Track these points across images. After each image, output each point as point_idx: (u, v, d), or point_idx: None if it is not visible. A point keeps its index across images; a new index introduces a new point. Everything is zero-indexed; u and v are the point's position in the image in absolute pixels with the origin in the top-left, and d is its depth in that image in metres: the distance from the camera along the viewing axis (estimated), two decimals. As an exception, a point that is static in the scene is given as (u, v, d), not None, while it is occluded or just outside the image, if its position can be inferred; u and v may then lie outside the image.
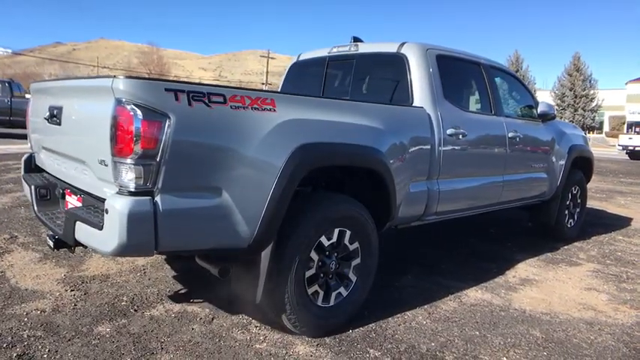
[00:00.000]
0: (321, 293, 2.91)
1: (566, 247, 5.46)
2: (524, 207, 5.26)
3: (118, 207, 2.13)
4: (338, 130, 2.86)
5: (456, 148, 3.74)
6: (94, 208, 2.46)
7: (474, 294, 3.81)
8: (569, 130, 5.60)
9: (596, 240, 5.90)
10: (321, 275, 2.90)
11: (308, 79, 4.56)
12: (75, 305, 3.14)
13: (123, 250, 2.18)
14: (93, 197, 2.53)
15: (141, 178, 2.16)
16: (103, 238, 2.22)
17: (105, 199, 2.33)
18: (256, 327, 2.99)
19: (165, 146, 2.17)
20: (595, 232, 6.20)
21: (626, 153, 26.44)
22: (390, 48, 3.86)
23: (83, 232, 2.39)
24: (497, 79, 4.51)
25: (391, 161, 3.16)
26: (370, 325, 3.11)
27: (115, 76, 2.17)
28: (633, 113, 54.64)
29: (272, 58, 67.25)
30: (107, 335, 2.78)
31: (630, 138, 27.76)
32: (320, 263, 2.87)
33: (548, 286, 4.11)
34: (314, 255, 2.82)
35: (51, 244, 2.77)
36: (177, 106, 2.21)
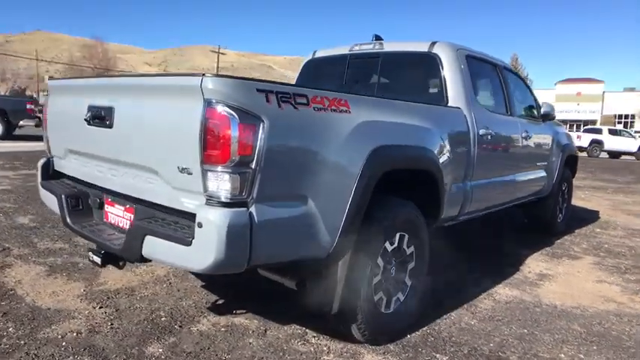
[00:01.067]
0: (384, 300, 2.79)
1: (559, 241, 5.63)
2: (520, 204, 5.36)
3: (216, 220, 1.91)
4: (403, 132, 2.76)
5: (486, 148, 3.73)
6: (173, 223, 2.20)
7: (503, 291, 3.82)
8: (561, 130, 5.79)
9: (580, 233, 6.14)
10: (383, 281, 2.77)
11: (326, 77, 4.40)
12: (111, 324, 2.84)
13: (218, 267, 1.96)
14: (161, 209, 2.28)
15: (237, 187, 1.95)
16: (193, 254, 1.99)
17: (184, 211, 2.12)
18: (314, 337, 2.83)
19: (260, 152, 1.97)
20: (576, 226, 6.46)
21: None
22: (421, 47, 3.78)
23: (157, 247, 2.14)
24: (510, 80, 4.54)
25: (441, 162, 3.08)
26: (424, 329, 3.02)
27: (204, 75, 1.93)
28: (562, 112, 58.63)
29: (222, 53, 65.59)
30: (162, 356, 2.52)
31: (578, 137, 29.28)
32: (383, 269, 2.74)
33: (564, 280, 4.20)
34: (380, 261, 2.69)
35: (97, 259, 2.49)
36: (269, 108, 2.02)
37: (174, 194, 2.15)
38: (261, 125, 1.97)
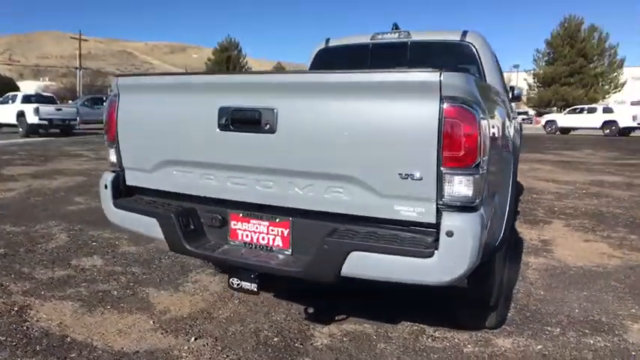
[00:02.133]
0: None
1: (518, 208, 6.19)
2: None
3: (469, 227, 1.77)
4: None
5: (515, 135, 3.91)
6: (373, 234, 1.95)
7: (533, 260, 4.10)
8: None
9: (529, 200, 6.83)
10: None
11: (346, 65, 4.18)
12: (228, 357, 2.44)
13: (463, 277, 1.80)
14: (347, 220, 2.01)
15: (478, 190, 1.81)
16: (436, 266, 1.80)
17: (395, 220, 1.90)
18: (435, 331, 2.76)
19: (487, 151, 1.83)
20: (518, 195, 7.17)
21: None
22: (452, 36, 3.81)
23: (369, 264, 1.90)
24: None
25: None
26: (514, 308, 3.11)
27: (441, 69, 1.71)
28: None
29: (84, 39, 58.22)
30: (319, 380, 2.24)
31: None
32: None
33: (565, 244, 4.65)
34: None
35: (248, 285, 2.13)
36: (483, 104, 1.88)
37: (383, 203, 1.91)
38: (488, 122, 1.83)
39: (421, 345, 2.60)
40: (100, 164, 10.15)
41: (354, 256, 1.89)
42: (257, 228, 2.26)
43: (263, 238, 2.26)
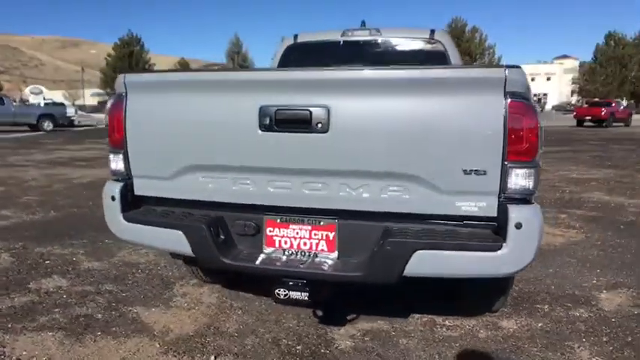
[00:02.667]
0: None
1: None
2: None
3: (535, 218, 1.86)
4: None
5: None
6: (448, 231, 1.95)
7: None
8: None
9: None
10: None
11: (316, 61, 4.10)
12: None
13: (528, 266, 1.87)
14: (399, 218, 2.00)
15: (537, 182, 1.90)
16: (504, 258, 1.86)
17: (455, 216, 1.96)
18: (445, 321, 2.85)
19: (542, 144, 1.94)
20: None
21: None
22: (422, 34, 3.93)
23: (435, 261, 1.90)
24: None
25: None
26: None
27: (506, 66, 1.77)
28: None
29: None
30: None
31: None
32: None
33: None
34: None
35: (298, 295, 2.01)
36: None
37: (444, 199, 1.92)
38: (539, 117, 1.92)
39: (439, 335, 2.65)
40: (16, 171, 9.03)
41: (419, 254, 1.88)
42: (298, 233, 2.15)
43: (305, 244, 2.15)
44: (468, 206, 1.90)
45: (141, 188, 2.30)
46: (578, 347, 2.52)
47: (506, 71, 1.78)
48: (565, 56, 69.04)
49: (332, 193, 2.02)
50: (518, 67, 1.81)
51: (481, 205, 1.89)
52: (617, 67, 52.37)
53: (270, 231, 2.18)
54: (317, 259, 2.13)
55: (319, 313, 2.92)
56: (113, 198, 2.27)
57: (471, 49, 49.53)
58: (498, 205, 1.89)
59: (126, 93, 2.23)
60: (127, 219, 2.26)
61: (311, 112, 1.93)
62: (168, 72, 2.27)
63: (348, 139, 1.93)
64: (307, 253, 2.15)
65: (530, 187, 1.87)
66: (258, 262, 2.11)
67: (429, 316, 2.88)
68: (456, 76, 1.89)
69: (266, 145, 2.01)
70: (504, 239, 1.84)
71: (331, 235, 2.12)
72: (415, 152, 1.90)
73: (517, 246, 1.84)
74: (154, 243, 2.27)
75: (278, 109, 1.96)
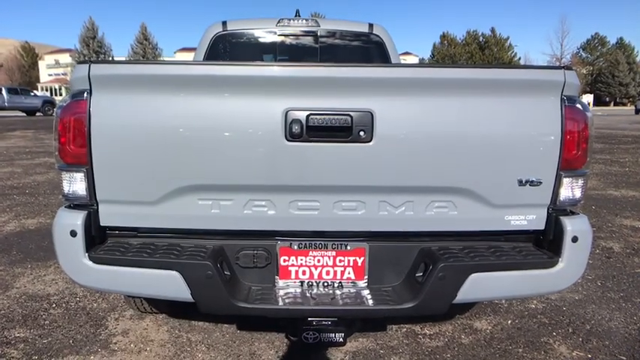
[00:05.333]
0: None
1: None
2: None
3: (589, 229, 1.69)
4: None
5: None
6: (490, 249, 1.71)
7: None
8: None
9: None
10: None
11: (249, 52, 3.59)
12: None
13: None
14: (437, 237, 1.74)
15: (585, 191, 1.74)
16: (560, 274, 1.70)
17: (500, 232, 1.76)
18: (423, 328, 2.65)
19: None
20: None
21: None
22: (361, 28, 3.69)
23: (488, 284, 1.67)
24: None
25: None
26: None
27: (565, 67, 1.59)
28: None
29: None
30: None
31: None
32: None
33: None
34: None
35: (339, 337, 1.63)
36: None
37: (494, 214, 1.69)
38: None
39: (426, 347, 2.46)
40: None
41: (474, 278, 1.62)
42: (319, 261, 1.76)
43: (328, 272, 1.77)
44: (518, 220, 1.70)
45: (110, 217, 1.68)
46: (554, 342, 2.51)
47: (565, 74, 1.60)
48: (407, 53, 74.97)
49: (369, 213, 1.67)
50: (573, 69, 1.65)
51: (530, 218, 1.71)
52: (450, 63, 58.88)
53: (284, 260, 1.75)
54: (347, 291, 1.76)
55: (292, 338, 2.51)
56: (74, 233, 1.61)
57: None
58: (547, 217, 1.71)
59: (90, 91, 1.59)
60: (95, 260, 1.63)
61: (352, 118, 1.54)
62: (154, 63, 1.65)
63: (395, 150, 1.59)
64: (329, 284, 1.77)
65: (579, 196, 1.73)
66: (281, 303, 1.67)
67: (406, 326, 2.66)
68: (512, 77, 1.66)
69: (294, 157, 1.58)
70: (559, 254, 1.68)
71: (360, 260, 1.76)
72: (468, 163, 1.63)
73: (573, 261, 1.69)
74: (134, 290, 1.67)
75: (311, 114, 1.54)
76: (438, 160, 1.62)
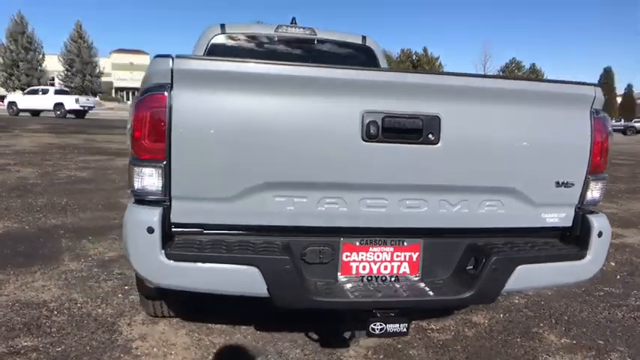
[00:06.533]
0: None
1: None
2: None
3: (609, 226, 1.91)
4: None
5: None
6: (528, 243, 1.90)
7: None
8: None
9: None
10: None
11: (248, 56, 3.57)
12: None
13: None
14: (482, 232, 1.88)
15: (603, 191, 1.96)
16: (586, 265, 1.90)
17: (535, 228, 1.93)
18: (431, 324, 2.80)
19: None
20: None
21: None
22: (355, 39, 3.84)
23: (531, 274, 1.83)
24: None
25: None
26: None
27: (594, 84, 1.79)
28: (119, 80, 60.84)
29: None
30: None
31: None
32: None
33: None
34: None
35: (402, 327, 1.71)
36: None
37: (534, 212, 1.87)
38: None
39: (437, 340, 2.59)
40: None
41: (520, 269, 1.78)
42: (378, 256, 1.83)
43: (385, 267, 1.85)
44: (552, 217, 1.89)
45: (182, 214, 1.63)
46: (543, 332, 2.74)
47: (595, 90, 1.82)
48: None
49: (429, 211, 1.77)
50: (599, 86, 1.88)
51: (562, 216, 1.91)
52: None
53: (346, 256, 1.80)
54: (404, 284, 1.85)
55: (313, 336, 2.54)
56: (151, 230, 1.54)
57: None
58: (575, 215, 1.92)
59: (171, 85, 1.54)
60: (171, 257, 1.57)
61: (422, 121, 1.65)
62: (239, 61, 1.61)
63: (458, 152, 1.72)
64: (386, 278, 1.86)
65: (599, 197, 1.96)
66: (351, 296, 1.72)
67: (413, 322, 2.77)
68: (555, 91, 1.83)
69: (369, 157, 1.64)
70: (586, 248, 1.89)
71: (415, 255, 1.87)
72: (517, 165, 1.80)
73: (597, 253, 1.91)
74: (209, 287, 1.62)
75: (386, 116, 1.61)
76: (492, 161, 1.77)
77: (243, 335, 2.49)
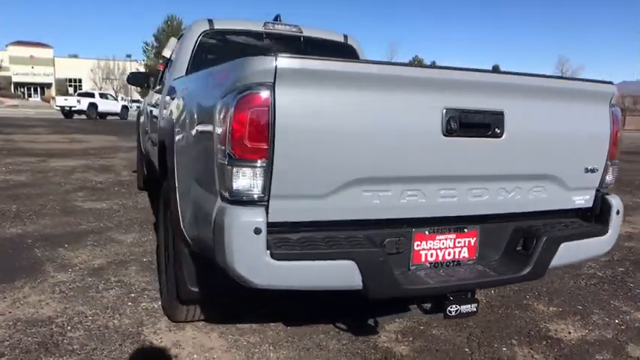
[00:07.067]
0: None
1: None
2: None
3: (621, 204, 2.21)
4: None
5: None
6: (560, 223, 2.14)
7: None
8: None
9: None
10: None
11: (237, 52, 3.49)
12: None
13: None
14: (527, 216, 2.08)
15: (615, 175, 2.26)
16: (606, 240, 2.18)
17: (568, 209, 2.20)
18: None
19: None
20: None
21: (62, 113, 28.27)
22: (337, 37, 3.97)
23: (570, 250, 2.06)
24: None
25: None
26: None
27: (611, 82, 2.08)
28: (17, 74, 55.62)
29: None
30: None
31: (66, 99, 29.79)
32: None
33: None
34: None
35: (472, 307, 1.91)
36: None
37: (567, 195, 2.10)
38: None
39: (452, 320, 2.74)
40: None
41: (563, 246, 2.00)
42: (443, 244, 1.95)
43: (449, 253, 1.98)
44: (579, 200, 2.15)
45: (278, 213, 1.60)
46: (533, 303, 3.06)
47: (613, 87, 2.10)
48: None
49: (490, 199, 1.94)
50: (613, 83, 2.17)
51: (586, 198, 2.18)
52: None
53: (417, 245, 1.90)
54: (466, 268, 2.01)
55: (341, 326, 2.61)
56: (258, 230, 1.51)
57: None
58: (595, 196, 2.19)
59: (274, 84, 1.50)
60: (276, 257, 1.54)
61: (491, 116, 1.81)
62: (342, 61, 1.60)
63: (518, 144, 1.90)
64: (449, 263, 1.99)
65: (612, 180, 2.25)
66: (432, 282, 1.83)
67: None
68: (587, 88, 2.08)
69: (448, 151, 1.76)
70: (607, 224, 2.17)
71: (472, 240, 2.02)
72: (560, 154, 2.03)
73: (615, 229, 2.20)
74: (308, 283, 1.62)
75: (462, 112, 1.74)
76: (542, 151, 1.98)
77: (276, 332, 2.49)
